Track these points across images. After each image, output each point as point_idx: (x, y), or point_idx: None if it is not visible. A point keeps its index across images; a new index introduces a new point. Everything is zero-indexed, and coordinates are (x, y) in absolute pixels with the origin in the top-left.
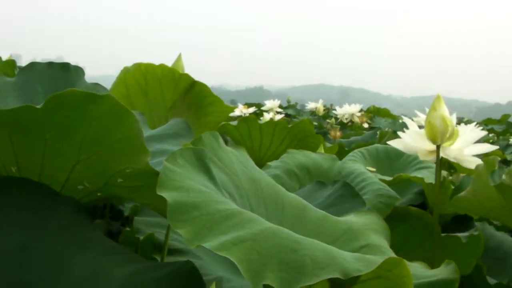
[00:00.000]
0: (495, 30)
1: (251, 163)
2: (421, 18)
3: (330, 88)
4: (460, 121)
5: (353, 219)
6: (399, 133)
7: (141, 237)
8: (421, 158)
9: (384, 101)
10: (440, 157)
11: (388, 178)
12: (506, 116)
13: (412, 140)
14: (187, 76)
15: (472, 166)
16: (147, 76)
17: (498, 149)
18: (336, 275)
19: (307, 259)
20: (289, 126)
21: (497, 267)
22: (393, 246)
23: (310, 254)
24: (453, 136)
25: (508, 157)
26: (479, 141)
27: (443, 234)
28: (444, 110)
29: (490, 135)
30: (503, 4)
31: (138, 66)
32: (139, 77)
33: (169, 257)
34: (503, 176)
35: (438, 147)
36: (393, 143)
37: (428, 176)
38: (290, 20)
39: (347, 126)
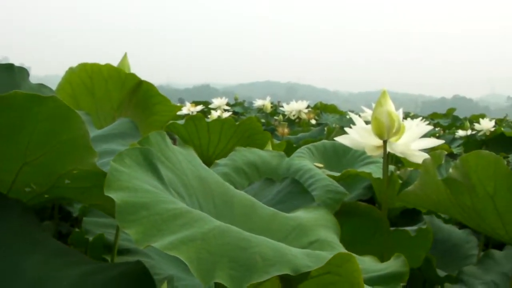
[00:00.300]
0: (441, 26)
1: (199, 161)
2: (368, 13)
3: (277, 85)
4: (406, 115)
5: (302, 215)
6: (346, 129)
7: (91, 238)
8: (368, 153)
9: (331, 97)
10: (387, 152)
11: (336, 174)
12: (451, 110)
13: (359, 136)
14: (133, 75)
15: (419, 160)
16: (93, 76)
17: (444, 143)
18: (286, 271)
19: (257, 257)
20: (237, 123)
21: (446, 260)
22: (343, 241)
23: (259, 252)
24: (399, 131)
25: (455, 151)
26: (425, 136)
27: (392, 228)
28: (390, 106)
29: (436, 129)
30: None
31: (83, 66)
32: (84, 77)
33: (119, 257)
34: (450, 170)
35: (384, 142)
36: (340, 139)
37: (376, 171)
38: (236, 16)
39: (294, 122)
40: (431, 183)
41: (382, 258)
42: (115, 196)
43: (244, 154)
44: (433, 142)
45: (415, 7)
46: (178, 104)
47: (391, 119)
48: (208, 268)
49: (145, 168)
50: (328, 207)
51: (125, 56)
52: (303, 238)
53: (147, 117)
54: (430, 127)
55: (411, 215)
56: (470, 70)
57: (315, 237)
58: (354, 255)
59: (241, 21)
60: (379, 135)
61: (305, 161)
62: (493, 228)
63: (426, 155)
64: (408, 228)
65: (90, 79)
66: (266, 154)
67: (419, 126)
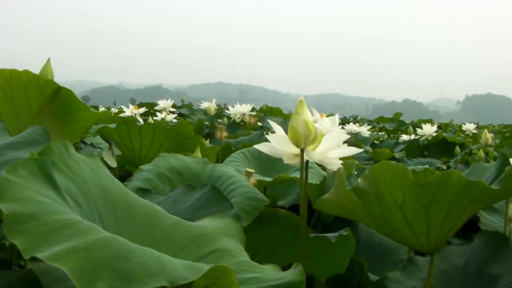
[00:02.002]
0: (397, 31)
1: (104, 171)
2: (323, 14)
3: (229, 86)
4: (354, 119)
5: (206, 224)
6: (267, 136)
7: (7, 243)
8: (286, 161)
9: (283, 99)
10: (305, 160)
11: (269, 179)
12: (398, 115)
13: (277, 144)
14: (52, 82)
15: (335, 168)
16: (12, 82)
17: (388, 147)
18: (164, 283)
19: (138, 268)
20: (168, 128)
21: (379, 264)
22: (265, 248)
23: (141, 263)
24: (316, 139)
25: (397, 155)
26: (366, 140)
27: (312, 235)
28: (306, 115)
29: (381, 133)
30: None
31: (1, 72)
32: (3, 83)
33: (34, 263)
34: (359, 180)
35: (302, 150)
36: (260, 146)
37: (310, 177)
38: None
39: (240, 125)
40: (343, 192)
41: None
42: (4, 207)
43: (168, 160)
44: (351, 150)
45: (371, 10)
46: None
47: (308, 128)
48: (90, 278)
49: (40, 178)
50: (247, 214)
51: (48, 61)
52: (204, 247)
53: (68, 124)
54: (346, 136)
55: (345, 220)
56: (422, 74)
57: (216, 246)
58: (254, 263)
59: (195, 21)
60: (296, 143)
61: (228, 167)
62: (403, 237)
63: (341, 164)
64: (329, 235)
65: (9, 85)
66: (190, 160)
67: (338, 135)
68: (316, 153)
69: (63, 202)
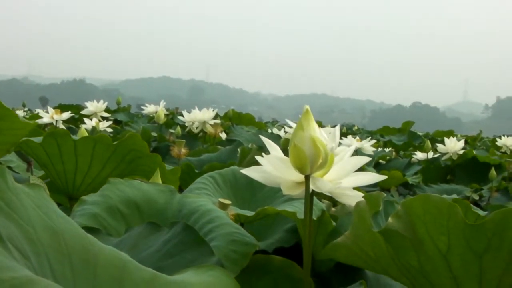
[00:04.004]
0: (397, 21)
1: (53, 206)
2: (297, 9)
3: (178, 82)
4: (349, 130)
5: (191, 278)
6: (258, 158)
7: None
8: (285, 192)
9: (250, 100)
10: (311, 191)
11: (250, 213)
12: (408, 124)
13: (273, 168)
14: None
15: (352, 202)
16: None
17: (398, 169)
18: None
19: None
20: (115, 143)
21: None
22: None
23: None
24: (326, 163)
25: (410, 180)
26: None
27: None
28: (314, 130)
29: (387, 150)
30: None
31: None
32: None
33: None
34: (390, 219)
35: (307, 178)
36: (250, 172)
37: (302, 210)
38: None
39: (198, 138)
40: (365, 235)
41: None
42: None
43: (121, 189)
44: (371, 177)
45: (356, 5)
46: (38, 111)
47: (316, 148)
48: None
49: None
50: (232, 263)
51: None
52: None
53: None
54: (368, 159)
55: (350, 268)
56: (438, 73)
57: None
58: None
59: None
60: (300, 168)
61: (203, 199)
62: None
63: (361, 196)
64: None
65: None
66: (151, 189)
67: (354, 157)
68: (326, 182)
69: (6, 253)
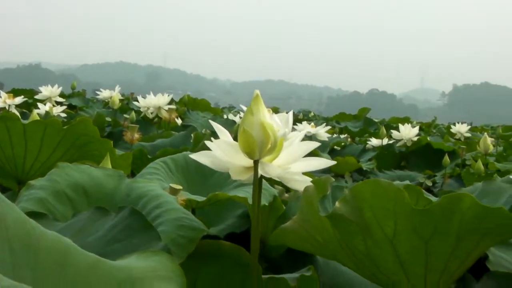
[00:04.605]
0: (354, 14)
1: None
2: None
3: (135, 68)
4: (305, 116)
5: (134, 263)
6: (207, 143)
7: None
8: (234, 177)
9: (207, 87)
10: (259, 176)
11: (201, 198)
12: (364, 110)
13: (223, 153)
14: None
15: (301, 187)
16: None
17: (352, 155)
18: None
19: None
20: (65, 127)
21: None
22: None
23: None
24: (275, 148)
25: (364, 166)
26: (324, 146)
27: (266, 276)
28: (264, 115)
29: (342, 136)
30: None
31: None
32: None
33: None
34: (337, 203)
35: (256, 162)
36: (198, 156)
37: None
38: None
39: (153, 123)
40: (313, 220)
41: None
42: None
43: (69, 173)
44: (322, 162)
45: None
46: None
47: (265, 133)
48: None
49: None
50: (179, 248)
51: None
52: None
53: None
54: (317, 144)
55: (300, 254)
56: (395, 61)
57: None
58: None
59: None
60: (249, 153)
61: (152, 184)
62: (393, 281)
63: (310, 180)
64: (287, 276)
65: None
66: (100, 173)
67: (304, 142)
68: (274, 167)
69: None
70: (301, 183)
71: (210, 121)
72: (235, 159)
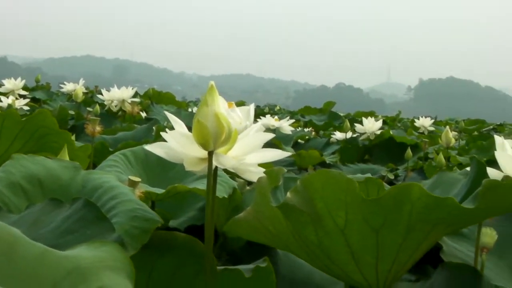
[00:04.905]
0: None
1: None
2: None
3: (102, 61)
4: (271, 110)
5: (83, 253)
6: (162, 134)
7: None
8: (188, 168)
9: (175, 80)
10: (214, 167)
11: (160, 191)
12: (329, 104)
13: (178, 144)
14: None
15: (255, 178)
16: None
17: (316, 148)
18: None
19: None
20: (23, 119)
21: None
22: (156, 285)
23: None
24: (230, 139)
25: (328, 160)
26: (289, 139)
27: (220, 268)
28: (218, 106)
29: (307, 129)
30: None
31: None
32: None
33: None
34: (288, 194)
35: (210, 154)
36: (153, 148)
37: (216, 188)
38: None
39: (117, 116)
40: (266, 211)
41: None
42: None
43: (24, 164)
44: (277, 154)
45: None
46: None
47: (219, 124)
48: None
49: None
50: (132, 239)
51: None
52: (81, 286)
53: None
54: (271, 135)
55: (261, 247)
56: (361, 56)
57: (97, 284)
58: None
59: None
60: (203, 144)
61: (107, 175)
62: (345, 271)
63: (264, 173)
64: (242, 267)
65: None
66: (56, 165)
67: (258, 133)
68: (229, 158)
69: None
70: (256, 174)
71: (166, 112)
72: (189, 150)
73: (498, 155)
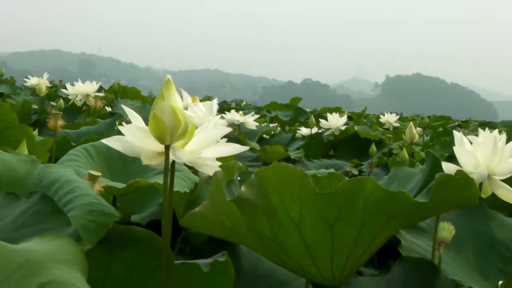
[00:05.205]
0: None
1: None
2: None
3: (69, 56)
4: (237, 105)
5: (36, 246)
6: (120, 127)
7: None
8: (145, 162)
9: (141, 75)
10: (171, 161)
11: (121, 185)
12: (295, 100)
13: (134, 138)
14: None
15: (212, 172)
16: None
17: (281, 144)
18: None
19: None
20: None
21: None
22: (114, 279)
23: None
24: (186, 133)
25: (292, 155)
26: (253, 134)
27: (178, 262)
28: (175, 100)
29: (273, 125)
30: None
31: None
32: None
33: None
34: (242, 188)
35: (167, 148)
36: (110, 141)
37: (177, 182)
38: None
39: (82, 111)
40: (221, 204)
41: None
42: None
43: None
44: (233, 148)
45: None
46: None
47: (176, 118)
48: None
49: None
50: (89, 233)
51: None
52: (32, 279)
53: None
54: (228, 129)
55: (223, 243)
56: (330, 50)
57: (48, 277)
58: None
59: None
60: (160, 138)
61: (66, 168)
62: (300, 265)
63: (220, 167)
64: (201, 261)
65: None
66: (13, 158)
67: (215, 128)
68: (185, 152)
69: None
70: (213, 169)
71: (123, 105)
72: (146, 144)
73: (457, 150)
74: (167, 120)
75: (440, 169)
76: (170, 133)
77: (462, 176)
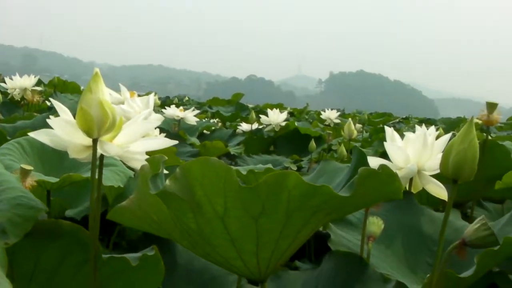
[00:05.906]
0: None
1: None
2: None
3: (11, 50)
4: (180, 101)
5: None
6: (48, 120)
7: None
8: (72, 155)
9: (85, 69)
10: (99, 155)
11: (54, 180)
12: (237, 96)
13: (62, 132)
14: None
15: (139, 166)
16: None
17: (222, 139)
18: None
19: None
20: None
21: None
22: (42, 274)
23: None
24: (114, 126)
25: (233, 150)
26: (193, 129)
27: (106, 256)
28: (102, 93)
29: (213, 120)
30: None
31: None
32: None
33: None
34: (167, 181)
35: (94, 141)
36: (38, 135)
37: (110, 177)
38: None
39: (21, 105)
40: (148, 198)
41: None
42: None
43: None
44: (161, 142)
45: None
46: None
47: (103, 111)
48: None
49: None
50: (15, 227)
51: None
52: None
53: None
54: (155, 124)
55: (158, 237)
56: (273, 47)
57: None
58: None
59: None
60: (87, 131)
61: None
62: (226, 259)
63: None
64: (130, 255)
65: None
66: None
67: (144, 121)
68: (113, 146)
69: None
70: (141, 163)
71: (51, 99)
72: (74, 138)
73: (388, 146)
74: (94, 114)
75: (365, 163)
76: (97, 126)
77: (385, 170)
